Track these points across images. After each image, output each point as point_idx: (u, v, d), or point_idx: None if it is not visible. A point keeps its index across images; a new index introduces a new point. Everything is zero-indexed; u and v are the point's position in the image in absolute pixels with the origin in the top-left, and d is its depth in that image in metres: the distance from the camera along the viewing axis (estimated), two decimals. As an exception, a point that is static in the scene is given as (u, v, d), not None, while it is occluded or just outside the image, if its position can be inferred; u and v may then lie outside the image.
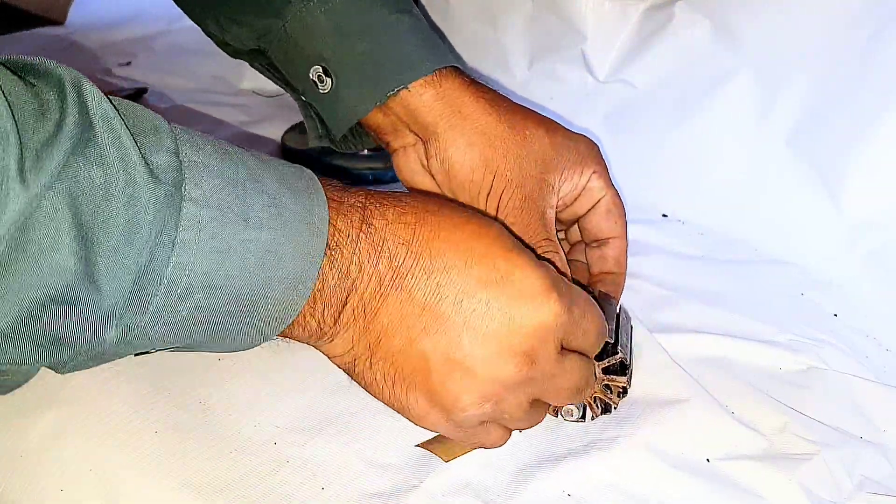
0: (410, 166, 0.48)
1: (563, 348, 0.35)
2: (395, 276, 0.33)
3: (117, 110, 0.28)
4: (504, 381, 0.34)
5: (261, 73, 0.54)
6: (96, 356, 0.29)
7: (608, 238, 0.46)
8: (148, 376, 0.41)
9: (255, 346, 0.33)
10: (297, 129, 0.76)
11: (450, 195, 0.46)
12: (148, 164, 0.27)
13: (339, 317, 0.33)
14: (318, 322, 0.33)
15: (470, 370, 0.33)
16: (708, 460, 0.38)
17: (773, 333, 0.48)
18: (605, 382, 0.40)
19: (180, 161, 0.29)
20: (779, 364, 0.46)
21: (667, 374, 0.44)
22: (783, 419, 0.41)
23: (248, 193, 0.30)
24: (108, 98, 0.28)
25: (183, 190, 0.28)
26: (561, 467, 0.38)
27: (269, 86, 0.87)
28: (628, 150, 0.67)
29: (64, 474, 0.36)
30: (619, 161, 0.66)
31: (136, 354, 0.31)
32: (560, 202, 0.45)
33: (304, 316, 0.33)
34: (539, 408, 0.37)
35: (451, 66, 0.46)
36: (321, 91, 0.47)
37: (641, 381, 0.43)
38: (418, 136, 0.46)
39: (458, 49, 0.79)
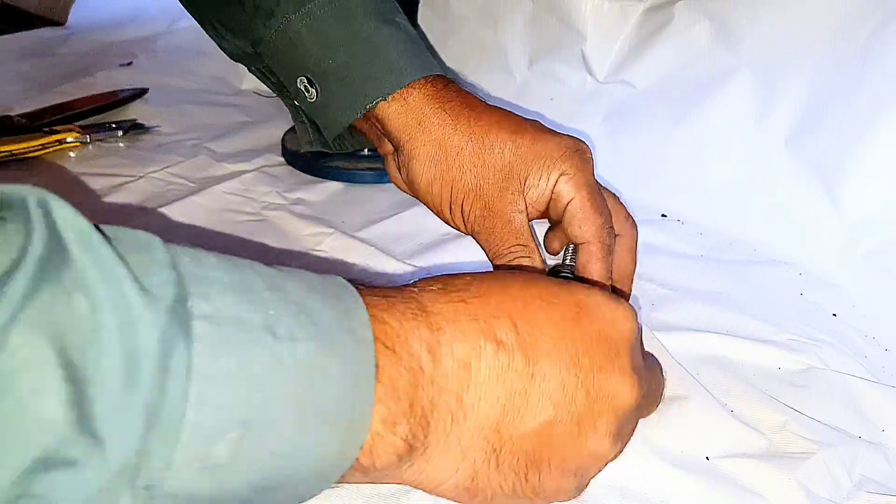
0: (393, 173, 0.49)
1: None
2: (480, 357, 0.29)
3: (97, 227, 0.23)
4: (630, 404, 0.32)
5: (257, 77, 0.55)
6: None
7: (580, 243, 0.44)
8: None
9: (323, 489, 0.27)
10: (298, 129, 0.76)
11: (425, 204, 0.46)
12: (139, 282, 0.22)
13: (429, 423, 0.28)
14: (405, 438, 0.27)
15: (602, 412, 0.31)
16: (707, 458, 0.38)
17: (772, 333, 0.48)
18: None
19: (180, 274, 0.23)
20: (778, 363, 0.46)
21: (667, 372, 0.44)
22: (782, 418, 0.41)
23: (270, 303, 0.25)
24: (83, 216, 0.23)
25: (189, 306, 0.23)
26: (560, 466, 0.38)
27: (270, 86, 0.88)
28: (628, 150, 0.67)
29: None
30: (619, 161, 0.67)
31: None
32: (531, 208, 0.44)
33: (381, 437, 0.27)
34: None
35: (429, 76, 0.46)
36: (309, 100, 0.48)
37: (641, 380, 0.43)
38: (395, 145, 0.47)
39: (458, 49, 0.80)
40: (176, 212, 0.60)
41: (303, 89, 0.48)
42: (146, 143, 0.75)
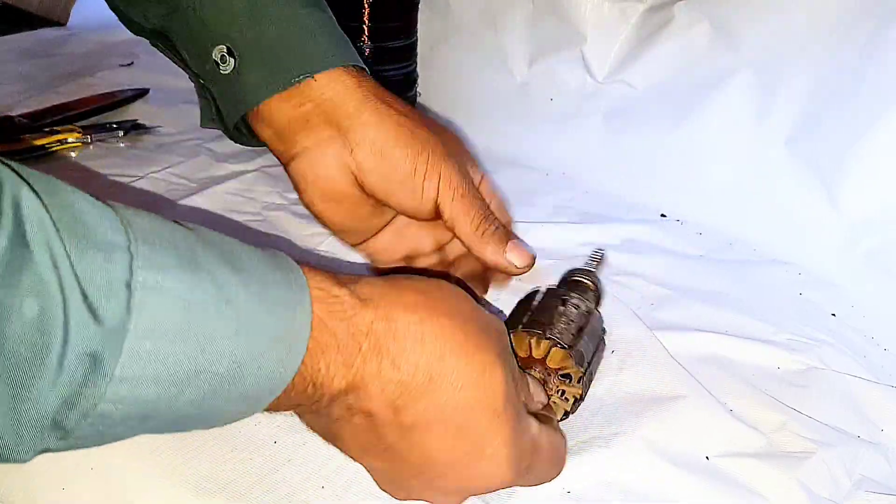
0: (325, 166, 0.46)
1: None
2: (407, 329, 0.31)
3: (56, 227, 0.23)
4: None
5: (160, 51, 0.54)
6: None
7: (445, 220, 0.45)
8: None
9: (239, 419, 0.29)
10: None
11: (381, 183, 0.45)
12: (86, 294, 0.23)
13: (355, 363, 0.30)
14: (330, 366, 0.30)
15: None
16: (707, 458, 0.39)
17: (771, 333, 0.48)
18: (562, 388, 0.40)
19: (131, 291, 0.24)
20: (777, 363, 0.46)
21: (666, 371, 0.44)
22: (782, 418, 0.41)
23: (213, 318, 0.26)
24: (49, 211, 0.23)
25: (128, 326, 0.24)
26: (560, 465, 0.38)
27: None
28: (628, 150, 0.67)
29: (65, 472, 0.36)
30: (619, 161, 0.67)
31: None
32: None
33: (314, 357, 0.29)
34: None
35: (360, 67, 0.46)
36: (221, 72, 0.46)
37: (641, 378, 0.44)
38: (338, 127, 0.44)
39: (458, 49, 0.80)
40: (176, 212, 0.61)
41: (218, 59, 0.46)
42: (147, 144, 0.75)
